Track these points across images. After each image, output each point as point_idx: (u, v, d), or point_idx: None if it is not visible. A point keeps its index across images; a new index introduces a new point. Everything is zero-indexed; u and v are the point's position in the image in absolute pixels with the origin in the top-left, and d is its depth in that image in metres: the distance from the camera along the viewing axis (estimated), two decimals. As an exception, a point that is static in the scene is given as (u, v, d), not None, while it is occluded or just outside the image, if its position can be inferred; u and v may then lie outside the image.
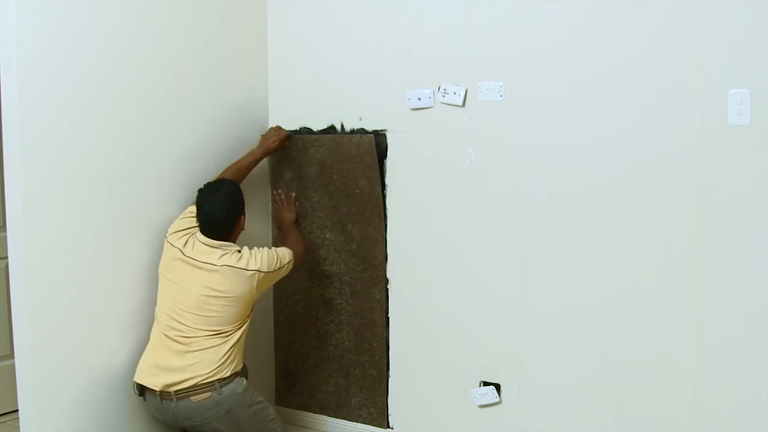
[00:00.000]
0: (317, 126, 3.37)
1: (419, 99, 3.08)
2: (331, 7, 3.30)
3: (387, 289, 3.27)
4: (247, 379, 2.94)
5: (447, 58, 3.02)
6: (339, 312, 3.39)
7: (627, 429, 2.76)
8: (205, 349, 2.78)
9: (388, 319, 3.28)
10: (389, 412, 3.33)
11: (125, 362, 2.94)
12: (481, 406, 3.07)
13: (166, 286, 2.89)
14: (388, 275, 3.26)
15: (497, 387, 3.03)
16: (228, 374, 2.80)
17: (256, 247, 2.95)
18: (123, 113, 2.90)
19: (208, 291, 2.80)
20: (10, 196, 2.66)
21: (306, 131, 3.40)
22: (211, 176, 3.26)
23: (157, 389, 2.77)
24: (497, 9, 2.90)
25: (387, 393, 3.32)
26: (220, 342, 2.80)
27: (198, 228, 2.92)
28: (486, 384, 3.06)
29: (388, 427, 3.34)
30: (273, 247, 3.02)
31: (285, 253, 3.02)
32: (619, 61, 2.68)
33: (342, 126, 3.30)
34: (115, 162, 2.89)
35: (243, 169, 3.22)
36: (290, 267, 3.03)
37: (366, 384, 3.35)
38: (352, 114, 3.27)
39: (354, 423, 3.41)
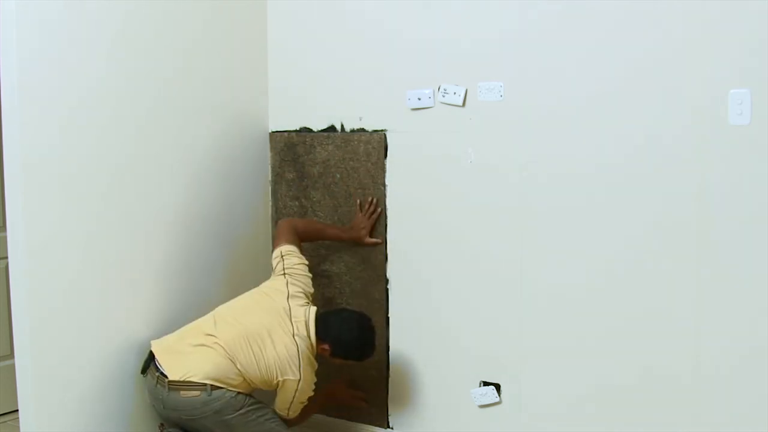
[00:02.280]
0: (317, 126, 3.37)
1: (419, 99, 3.08)
2: (331, 7, 3.30)
3: (387, 289, 3.27)
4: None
5: (447, 58, 3.02)
6: (339, 312, 3.39)
7: (628, 428, 2.76)
8: (211, 357, 2.79)
9: (388, 319, 3.28)
10: (389, 412, 3.33)
11: (126, 362, 2.94)
12: (481, 406, 3.07)
13: (242, 300, 2.99)
14: (388, 275, 3.26)
15: (497, 387, 3.03)
16: (220, 386, 2.77)
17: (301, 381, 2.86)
18: (124, 113, 2.90)
19: (260, 335, 2.84)
20: (10, 196, 2.66)
21: (306, 131, 3.40)
22: (212, 175, 3.26)
23: (160, 370, 2.78)
24: (497, 9, 2.89)
25: (387, 393, 3.32)
26: (226, 365, 2.79)
27: (312, 309, 2.94)
28: (486, 384, 3.06)
29: (388, 427, 3.33)
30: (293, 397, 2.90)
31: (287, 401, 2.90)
32: (619, 61, 2.68)
33: (342, 126, 3.30)
34: (116, 162, 2.89)
35: (322, 236, 3.27)
36: (278, 409, 2.93)
37: (366, 384, 3.35)
38: (352, 114, 3.27)
39: (354, 423, 3.41)
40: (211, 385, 2.74)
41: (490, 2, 2.91)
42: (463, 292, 3.07)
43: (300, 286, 3.00)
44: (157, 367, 2.80)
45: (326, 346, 2.92)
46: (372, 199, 3.24)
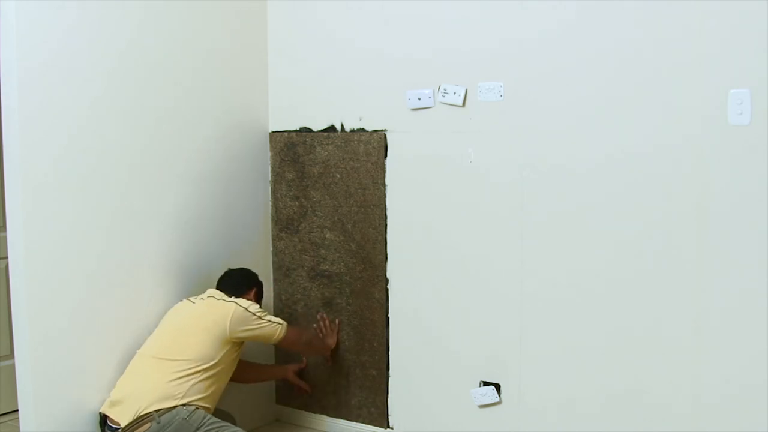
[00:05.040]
0: (317, 126, 3.38)
1: (419, 99, 3.08)
2: (331, 8, 3.30)
3: (387, 289, 3.27)
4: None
5: (447, 58, 3.02)
6: (339, 312, 3.39)
7: (628, 428, 2.76)
8: (148, 375, 2.72)
9: (388, 319, 3.28)
10: (389, 412, 3.33)
11: (126, 362, 2.93)
12: (481, 406, 3.07)
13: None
14: (388, 275, 3.26)
15: (497, 387, 3.03)
16: (169, 406, 2.65)
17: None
18: (124, 113, 2.91)
19: (186, 319, 2.88)
20: (10, 196, 2.66)
21: (306, 131, 3.40)
22: (212, 175, 3.26)
23: (113, 427, 2.70)
24: (497, 9, 2.89)
25: (387, 393, 3.32)
26: (172, 373, 2.71)
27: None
28: (486, 384, 3.06)
29: (388, 427, 3.33)
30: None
31: (275, 320, 3.00)
32: (620, 61, 2.68)
33: (342, 126, 3.30)
34: (116, 161, 2.89)
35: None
36: (274, 335, 2.97)
37: (366, 384, 3.35)
38: (352, 114, 3.27)
39: (354, 423, 3.41)
40: (158, 410, 2.63)
41: (490, 2, 2.91)
42: (464, 291, 3.07)
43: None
44: (111, 427, 2.70)
45: (251, 292, 3.13)
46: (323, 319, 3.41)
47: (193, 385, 2.72)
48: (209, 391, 2.77)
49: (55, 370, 2.74)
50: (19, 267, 2.65)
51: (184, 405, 2.67)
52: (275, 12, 3.46)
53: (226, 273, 3.18)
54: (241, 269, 3.21)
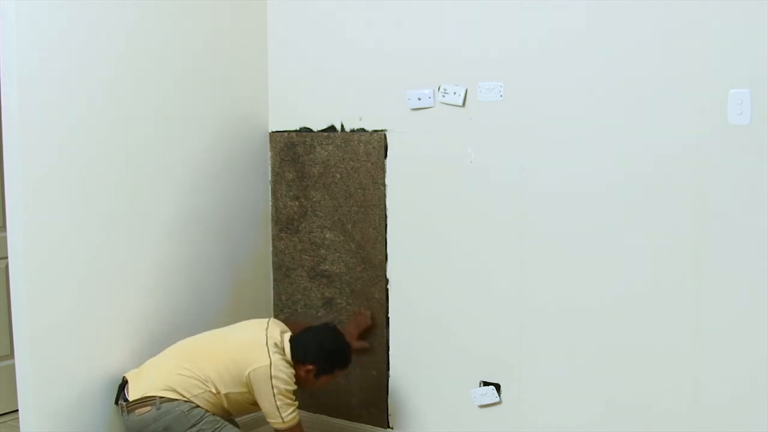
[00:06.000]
0: (317, 126, 3.38)
1: (419, 99, 3.08)
2: (331, 8, 3.29)
3: (387, 289, 3.27)
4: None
5: (447, 58, 3.01)
6: (339, 312, 3.39)
7: (628, 428, 2.76)
8: (169, 365, 2.75)
9: (388, 319, 3.28)
10: (389, 412, 3.32)
11: (125, 362, 2.94)
12: (481, 406, 3.07)
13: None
14: (388, 275, 3.25)
15: (497, 387, 3.03)
16: (172, 397, 2.67)
17: (283, 387, 2.72)
18: (123, 113, 2.91)
19: (227, 342, 2.82)
20: (10, 196, 2.66)
21: (306, 131, 3.40)
22: (212, 176, 3.26)
23: (125, 396, 2.74)
24: (497, 9, 2.89)
25: (387, 393, 3.32)
26: (188, 378, 2.71)
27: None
28: (486, 384, 3.06)
29: (388, 427, 3.33)
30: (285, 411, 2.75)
31: (288, 412, 2.72)
32: (620, 61, 2.68)
33: (342, 126, 3.30)
34: (116, 161, 2.89)
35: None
36: (274, 421, 2.73)
37: (366, 384, 3.35)
38: (352, 114, 3.27)
39: (354, 423, 3.41)
40: (161, 397, 2.64)
41: (490, 2, 2.91)
42: (464, 291, 3.06)
43: (282, 326, 2.94)
44: (124, 396, 2.75)
45: (310, 367, 2.81)
46: (365, 311, 3.24)
47: (201, 394, 2.72)
48: (216, 405, 2.76)
49: (55, 370, 2.74)
50: (19, 267, 2.65)
51: (186, 400, 2.69)
52: (275, 12, 3.46)
53: (308, 329, 2.95)
54: (321, 335, 2.89)
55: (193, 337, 2.93)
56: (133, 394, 2.72)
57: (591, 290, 2.79)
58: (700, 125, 2.54)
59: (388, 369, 3.30)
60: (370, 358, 3.32)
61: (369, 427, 3.37)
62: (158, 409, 2.65)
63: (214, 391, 2.73)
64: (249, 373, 2.70)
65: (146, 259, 3.02)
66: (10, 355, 3.23)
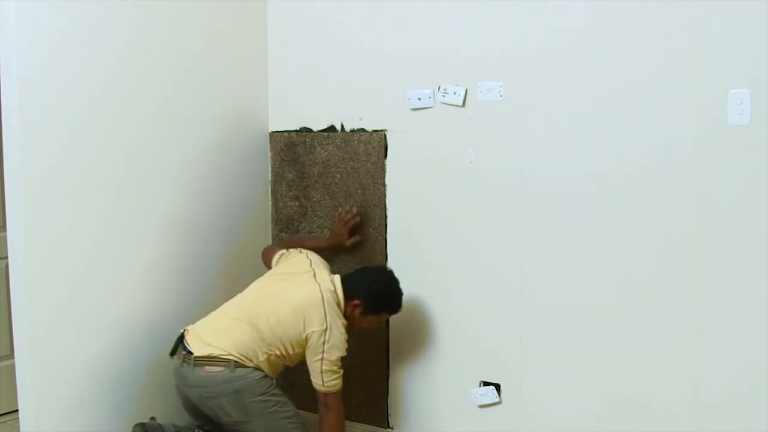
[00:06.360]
0: (317, 126, 3.38)
1: (419, 99, 3.08)
2: (331, 8, 3.30)
3: (387, 289, 3.26)
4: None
5: (447, 58, 3.02)
6: (339, 312, 3.39)
7: (628, 428, 2.76)
8: (236, 332, 2.79)
9: (388, 319, 3.28)
10: (389, 412, 3.33)
11: (125, 362, 2.94)
12: (481, 406, 3.07)
13: (264, 278, 3.01)
14: (388, 275, 3.26)
15: (497, 387, 3.03)
16: (246, 364, 2.75)
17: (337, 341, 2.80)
18: (123, 113, 2.91)
19: (279, 291, 2.87)
20: (10, 196, 2.66)
21: (306, 131, 3.40)
22: (212, 175, 3.26)
23: (187, 349, 2.78)
24: (497, 9, 2.90)
25: (387, 393, 3.32)
26: (257, 341, 2.78)
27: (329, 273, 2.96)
28: (486, 384, 3.06)
29: (388, 427, 3.34)
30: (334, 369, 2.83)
31: (333, 376, 2.81)
32: (620, 61, 2.68)
33: (342, 126, 3.30)
34: (116, 161, 2.89)
35: (303, 247, 3.17)
36: (318, 382, 2.80)
37: (366, 384, 3.35)
38: (352, 114, 3.27)
39: (354, 423, 3.40)
40: (235, 361, 2.72)
41: (490, 2, 2.91)
42: (464, 291, 3.06)
43: (319, 257, 3.04)
44: (185, 347, 2.80)
45: (357, 302, 2.87)
46: (349, 208, 3.28)
47: (266, 359, 2.79)
48: (278, 367, 2.86)
49: (55, 369, 2.74)
50: (19, 267, 2.65)
51: (256, 367, 2.75)
52: (275, 12, 3.46)
53: (362, 268, 3.06)
54: (373, 275, 2.99)
55: (247, 295, 2.94)
56: (197, 349, 2.75)
57: (591, 290, 2.80)
58: (700, 125, 2.54)
59: (388, 369, 3.30)
60: (370, 358, 3.32)
61: (369, 427, 3.37)
62: (232, 371, 2.71)
63: (278, 353, 2.81)
64: (307, 335, 2.79)
65: (146, 259, 3.02)
66: (10, 355, 3.23)
